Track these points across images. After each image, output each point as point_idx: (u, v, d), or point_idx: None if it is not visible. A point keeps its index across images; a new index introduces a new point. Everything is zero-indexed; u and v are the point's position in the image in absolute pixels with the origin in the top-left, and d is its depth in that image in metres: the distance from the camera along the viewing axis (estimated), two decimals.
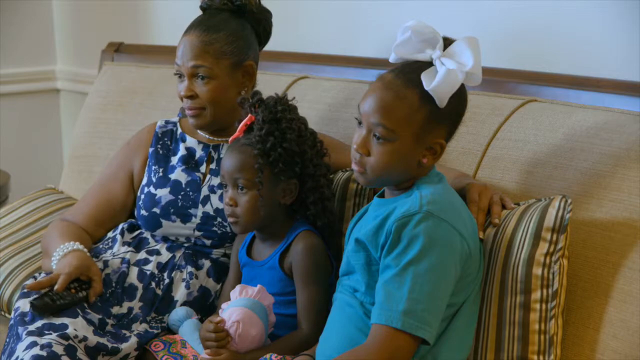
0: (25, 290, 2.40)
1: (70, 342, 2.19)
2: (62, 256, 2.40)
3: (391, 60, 2.00)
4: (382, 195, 2.08)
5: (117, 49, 3.30)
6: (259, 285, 2.20)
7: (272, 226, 2.30)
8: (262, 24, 2.51)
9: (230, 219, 2.29)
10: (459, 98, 1.96)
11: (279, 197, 2.28)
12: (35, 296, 2.28)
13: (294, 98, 2.33)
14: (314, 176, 2.29)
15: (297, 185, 2.29)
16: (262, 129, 2.24)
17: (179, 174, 2.50)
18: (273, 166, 2.24)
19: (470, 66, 1.92)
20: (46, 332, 2.21)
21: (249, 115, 2.29)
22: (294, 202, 2.31)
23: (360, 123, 1.98)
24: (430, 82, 1.91)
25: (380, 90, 1.95)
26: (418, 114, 1.93)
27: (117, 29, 3.75)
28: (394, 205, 1.97)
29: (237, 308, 2.17)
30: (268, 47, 2.55)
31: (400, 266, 1.90)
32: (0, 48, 3.91)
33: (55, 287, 2.28)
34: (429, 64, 1.94)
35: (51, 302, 2.26)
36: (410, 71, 1.95)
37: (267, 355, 2.13)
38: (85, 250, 2.43)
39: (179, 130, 2.57)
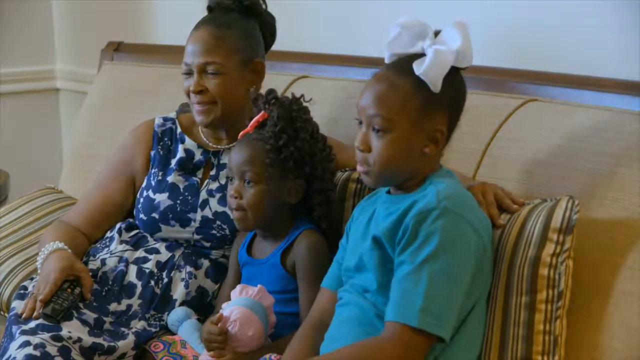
0: (22, 292, 2.40)
1: (64, 343, 2.19)
2: (44, 259, 2.40)
3: (386, 60, 2.00)
4: (389, 193, 2.06)
5: (116, 49, 3.29)
6: (259, 286, 2.19)
7: (274, 224, 2.30)
8: (268, 28, 2.52)
9: (235, 214, 2.27)
10: (454, 82, 1.95)
11: (284, 196, 2.27)
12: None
13: (310, 99, 2.32)
14: (321, 179, 2.29)
15: (303, 185, 2.28)
16: (277, 126, 2.24)
17: (176, 178, 2.49)
18: (284, 163, 2.24)
19: (458, 45, 1.92)
20: (40, 332, 2.20)
21: (262, 112, 2.28)
22: (298, 203, 2.31)
23: (360, 123, 1.98)
24: (420, 67, 1.91)
25: (373, 84, 1.96)
26: (413, 100, 1.93)
27: (117, 28, 3.74)
28: (410, 201, 1.95)
29: (236, 307, 2.17)
30: None
31: (416, 263, 1.89)
32: (0, 47, 3.91)
33: (40, 298, 2.27)
34: (422, 55, 1.94)
35: (59, 307, 2.26)
36: (402, 62, 1.95)
37: (267, 356, 2.13)
38: (67, 247, 2.41)
39: (179, 130, 2.56)
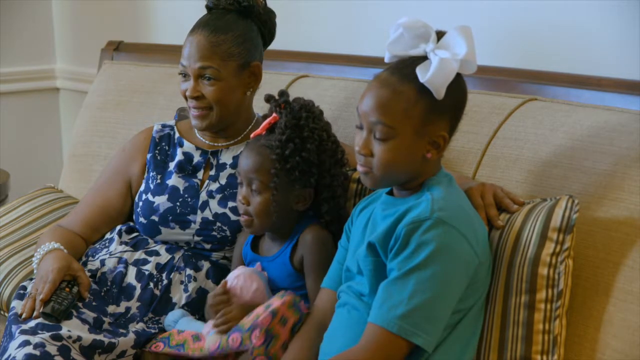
0: (21, 292, 2.40)
1: (64, 342, 2.19)
2: (40, 259, 2.39)
3: (386, 60, 1.99)
4: (390, 193, 2.06)
5: (116, 48, 3.29)
6: (257, 264, 2.26)
7: (283, 227, 2.29)
8: (267, 25, 2.50)
9: (243, 218, 2.27)
10: (457, 88, 1.95)
11: (292, 204, 2.26)
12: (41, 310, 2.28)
13: (318, 106, 2.30)
14: (330, 186, 2.27)
15: (311, 193, 2.27)
16: (284, 134, 2.22)
17: (176, 180, 2.49)
18: (289, 173, 2.22)
19: (463, 54, 1.91)
20: (39, 331, 2.20)
21: (274, 114, 2.26)
22: (307, 209, 2.30)
23: (361, 126, 1.97)
24: (425, 74, 1.90)
25: (376, 89, 1.94)
26: (416, 108, 1.92)
27: (117, 27, 3.75)
28: (404, 208, 1.95)
29: (236, 269, 2.26)
30: None
31: (404, 270, 1.89)
32: (0, 47, 3.91)
33: (40, 298, 2.26)
34: (423, 58, 1.93)
35: (59, 306, 2.26)
36: (405, 67, 1.94)
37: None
38: (62, 247, 2.41)
39: (177, 135, 2.55)
